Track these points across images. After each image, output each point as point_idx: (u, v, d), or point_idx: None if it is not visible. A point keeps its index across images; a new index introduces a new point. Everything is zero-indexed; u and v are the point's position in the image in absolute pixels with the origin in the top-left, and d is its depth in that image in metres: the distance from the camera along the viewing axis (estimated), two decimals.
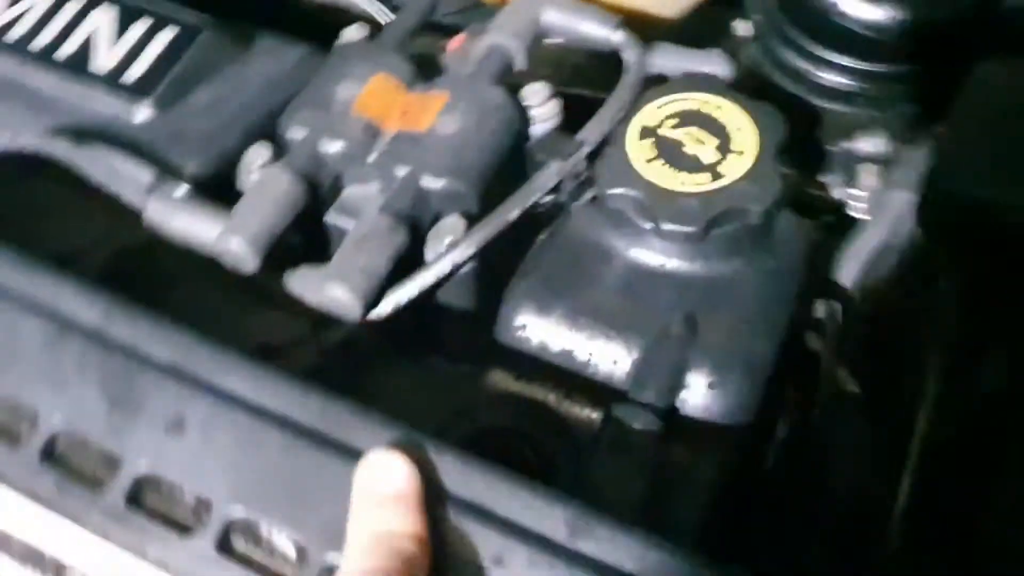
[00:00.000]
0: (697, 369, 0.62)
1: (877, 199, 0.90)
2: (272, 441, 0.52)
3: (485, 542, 0.49)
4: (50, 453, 0.55)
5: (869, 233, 0.85)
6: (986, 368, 0.78)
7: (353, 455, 0.52)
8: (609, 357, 0.64)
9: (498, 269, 0.69)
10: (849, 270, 0.85)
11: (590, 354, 0.64)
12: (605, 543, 0.48)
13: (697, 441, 0.62)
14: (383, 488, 0.49)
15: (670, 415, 0.62)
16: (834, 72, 0.78)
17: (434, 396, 0.67)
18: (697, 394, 0.62)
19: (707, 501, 0.61)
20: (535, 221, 0.71)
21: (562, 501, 0.50)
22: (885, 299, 0.87)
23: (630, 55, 0.69)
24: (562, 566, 0.48)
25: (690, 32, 0.95)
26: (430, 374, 0.68)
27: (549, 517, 0.49)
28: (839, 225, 0.93)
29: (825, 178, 0.88)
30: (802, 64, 0.79)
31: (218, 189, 0.68)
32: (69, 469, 0.54)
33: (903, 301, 0.86)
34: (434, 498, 0.49)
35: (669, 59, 0.94)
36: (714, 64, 0.95)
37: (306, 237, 0.69)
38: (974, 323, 0.78)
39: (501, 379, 0.67)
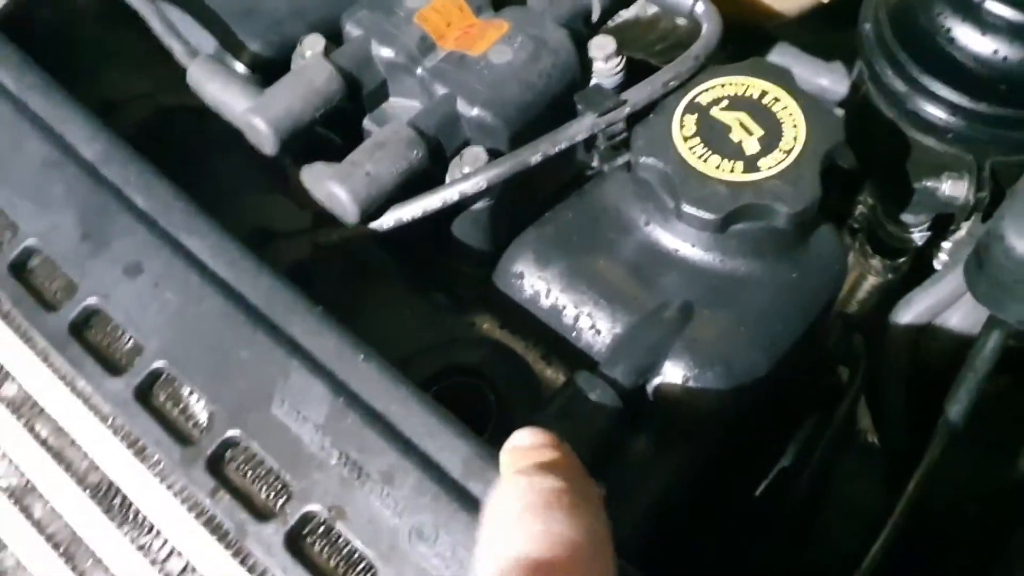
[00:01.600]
0: (676, 360, 0.59)
1: (957, 252, 0.84)
2: (214, 307, 0.52)
3: (379, 454, 0.48)
4: (20, 267, 0.56)
5: (935, 286, 0.79)
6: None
7: (285, 341, 0.51)
8: (593, 326, 0.61)
9: (523, 218, 0.67)
10: (902, 317, 0.80)
11: (576, 318, 0.62)
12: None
13: (657, 434, 0.59)
14: None
15: (635, 399, 0.59)
16: (932, 103, 0.72)
17: (416, 322, 0.66)
18: (670, 386, 0.59)
19: (647, 497, 0.58)
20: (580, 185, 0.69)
21: (466, 438, 0.48)
22: (936, 358, 0.81)
23: (707, 26, 0.66)
24: (445, 499, 0.46)
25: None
26: (420, 301, 0.67)
27: (449, 449, 0.47)
28: (913, 268, 0.87)
29: (907, 217, 0.82)
30: (901, 87, 0.73)
31: (277, 72, 0.68)
32: (31, 288, 0.55)
33: (951, 365, 0.80)
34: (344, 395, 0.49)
35: (787, 60, 0.90)
36: (833, 77, 0.90)
37: (349, 139, 0.68)
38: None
39: (486, 324, 0.65)
